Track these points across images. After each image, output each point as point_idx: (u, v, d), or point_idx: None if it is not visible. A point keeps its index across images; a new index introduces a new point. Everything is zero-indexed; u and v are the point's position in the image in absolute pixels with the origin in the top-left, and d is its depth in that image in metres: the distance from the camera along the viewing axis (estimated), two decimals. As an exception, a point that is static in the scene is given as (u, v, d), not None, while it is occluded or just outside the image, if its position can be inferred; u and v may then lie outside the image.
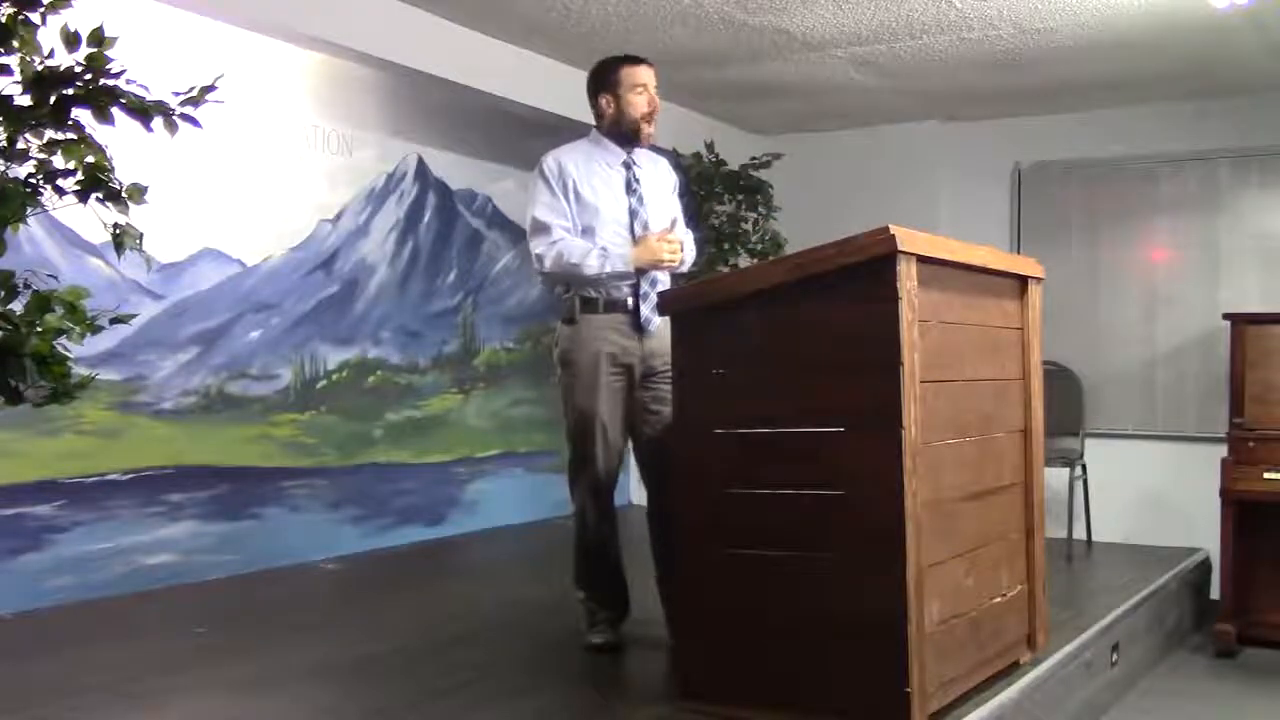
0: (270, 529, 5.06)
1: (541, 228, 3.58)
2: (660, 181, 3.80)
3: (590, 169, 3.65)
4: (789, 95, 6.31)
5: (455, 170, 6.07)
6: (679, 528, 3.18)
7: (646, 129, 3.66)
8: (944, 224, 6.28)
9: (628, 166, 3.68)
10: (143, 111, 2.49)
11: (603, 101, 3.67)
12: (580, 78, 5.90)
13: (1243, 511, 5.21)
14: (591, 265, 3.52)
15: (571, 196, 3.60)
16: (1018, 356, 3.49)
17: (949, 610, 2.96)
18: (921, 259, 2.83)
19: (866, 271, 2.78)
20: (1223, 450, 5.30)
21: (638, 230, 3.62)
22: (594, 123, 3.74)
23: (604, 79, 3.69)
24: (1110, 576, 5.28)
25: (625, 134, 3.67)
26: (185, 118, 2.56)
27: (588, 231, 3.59)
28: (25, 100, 2.43)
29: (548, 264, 3.56)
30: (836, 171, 6.74)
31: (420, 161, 5.88)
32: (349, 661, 3.70)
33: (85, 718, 3.09)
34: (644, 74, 3.67)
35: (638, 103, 3.63)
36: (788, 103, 6.46)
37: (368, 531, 5.56)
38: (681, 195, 3.92)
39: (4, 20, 2.39)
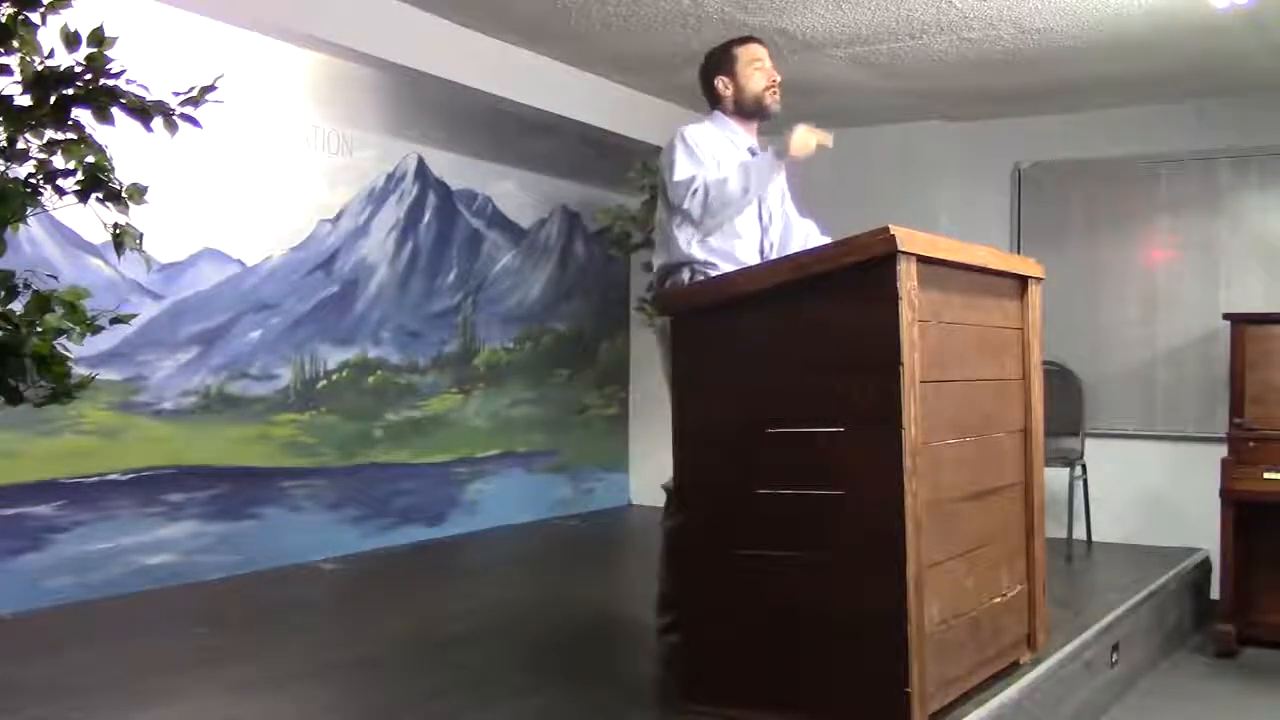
0: (270, 529, 5.06)
1: (684, 184, 3.37)
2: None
3: (721, 147, 3.52)
4: (789, 95, 6.27)
5: (455, 170, 6.07)
6: (679, 528, 3.18)
7: (771, 99, 3.58)
8: (944, 224, 6.27)
9: (752, 153, 3.57)
10: (143, 111, 2.49)
11: (719, 84, 3.59)
12: (580, 77, 5.96)
13: (1243, 511, 5.20)
14: (734, 186, 3.32)
15: (712, 164, 3.43)
16: (1018, 356, 3.49)
17: (949, 610, 2.96)
18: (921, 259, 2.83)
19: (866, 271, 2.78)
20: (1223, 450, 5.29)
21: (764, 217, 3.55)
22: (710, 108, 3.65)
23: (718, 61, 3.62)
24: (1110, 576, 5.27)
25: (748, 111, 3.59)
26: (185, 118, 2.56)
27: None
28: (25, 100, 2.43)
29: (698, 211, 3.33)
30: (837, 171, 6.73)
31: (420, 161, 5.89)
32: (349, 661, 3.70)
33: (85, 718, 3.09)
34: (759, 50, 3.61)
35: (756, 77, 3.57)
36: (787, 103, 6.44)
37: (368, 531, 5.56)
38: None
39: (4, 20, 2.39)
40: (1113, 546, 5.98)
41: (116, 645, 3.80)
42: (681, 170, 3.39)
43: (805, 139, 3.36)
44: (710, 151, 3.44)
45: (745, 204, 3.39)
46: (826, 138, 3.39)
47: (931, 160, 6.57)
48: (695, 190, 3.32)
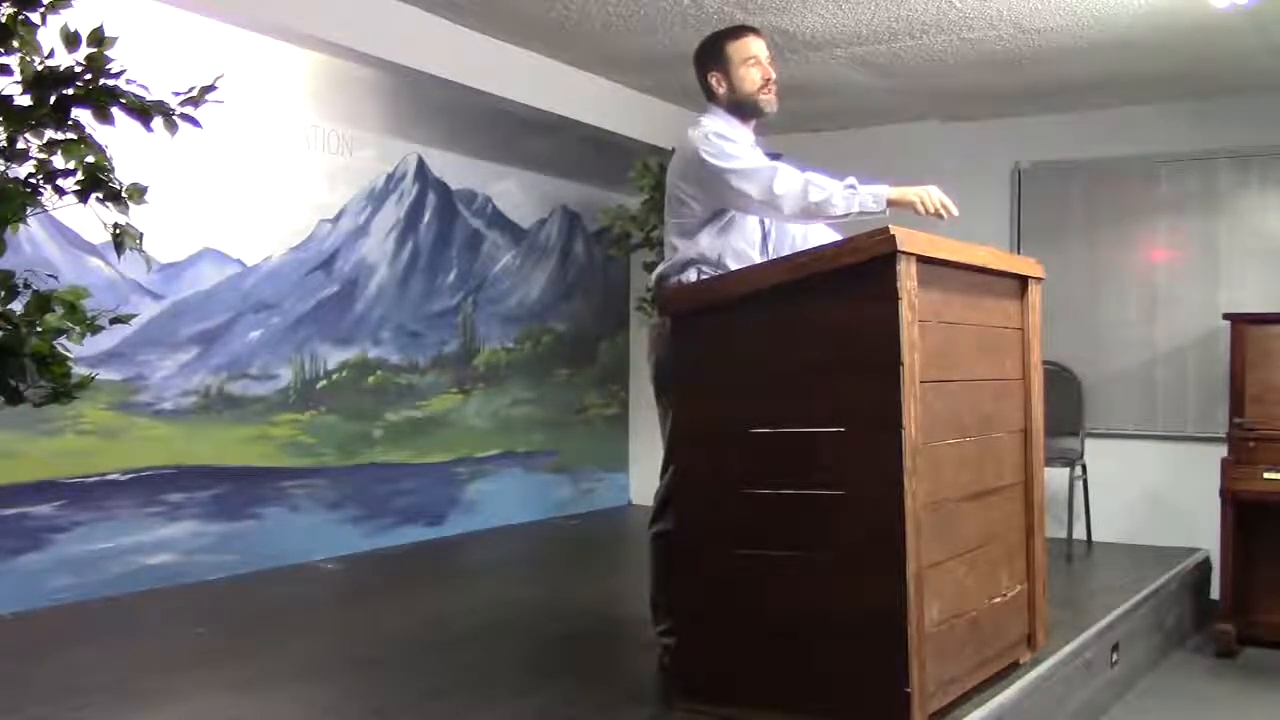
0: (270, 529, 5.06)
1: (763, 172, 3.19)
2: None
3: (741, 142, 3.35)
4: (789, 95, 6.25)
5: (455, 170, 6.07)
6: (679, 528, 3.17)
7: (766, 99, 3.40)
8: (944, 224, 6.27)
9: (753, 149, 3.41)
10: (143, 111, 2.49)
11: (712, 80, 3.42)
12: (580, 77, 5.96)
13: (1243, 511, 5.20)
14: (837, 205, 3.16)
15: (750, 157, 3.29)
16: (1018, 356, 3.49)
17: (949, 610, 2.96)
18: (921, 259, 2.83)
19: (866, 271, 2.78)
20: (1223, 450, 5.29)
21: (767, 223, 3.43)
22: (708, 101, 3.46)
23: (711, 56, 3.43)
24: (1110, 576, 5.28)
25: (744, 110, 3.41)
26: (185, 118, 2.56)
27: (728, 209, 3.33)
28: (25, 100, 2.43)
29: (791, 204, 3.15)
30: (837, 171, 6.74)
31: (420, 161, 5.89)
32: (349, 661, 3.70)
33: (85, 718, 3.09)
34: (753, 45, 3.41)
35: (750, 76, 3.38)
36: (788, 103, 6.38)
37: (368, 531, 5.56)
38: None
39: (4, 20, 2.39)
40: (1113, 546, 5.98)
41: (116, 645, 3.80)
42: (740, 159, 3.22)
43: (930, 198, 3.21)
44: (740, 146, 3.31)
45: (829, 217, 3.23)
46: (951, 210, 3.24)
47: (931, 160, 6.57)
48: (786, 178, 3.15)
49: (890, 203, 3.21)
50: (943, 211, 3.24)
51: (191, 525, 4.75)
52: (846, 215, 3.18)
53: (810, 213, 3.21)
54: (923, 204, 3.22)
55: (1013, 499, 3.44)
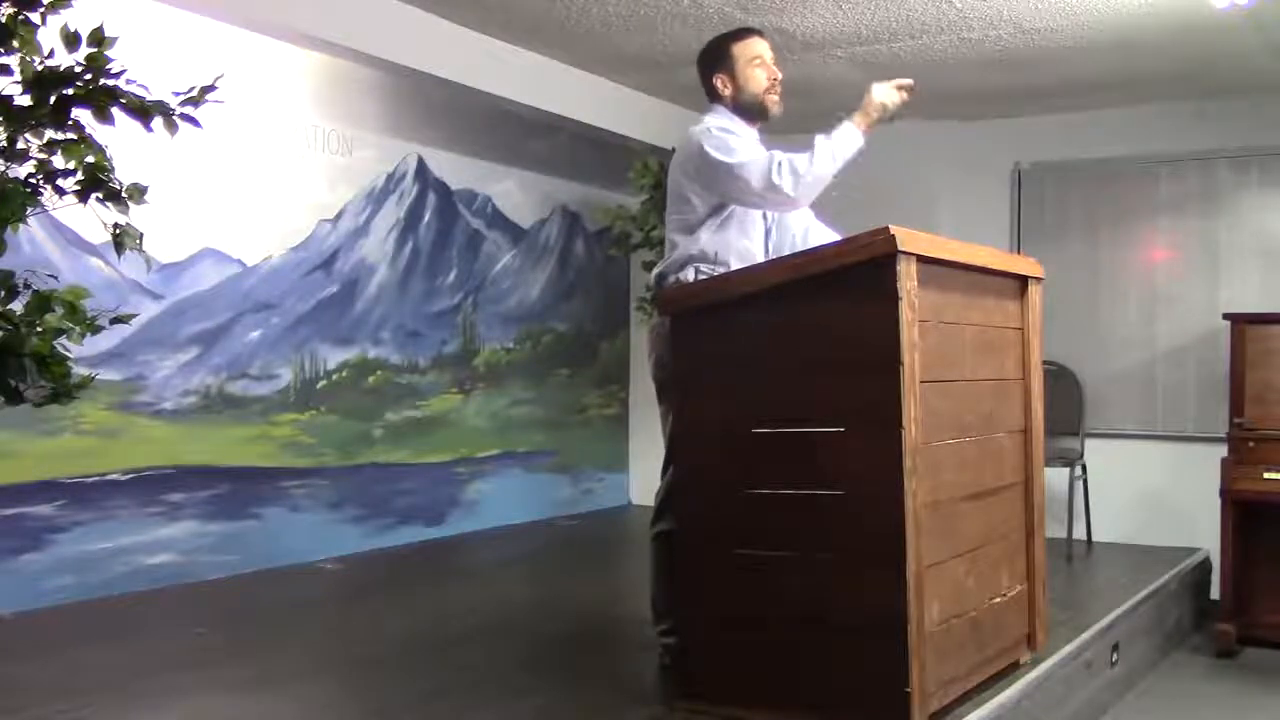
0: (270, 529, 5.06)
1: (760, 164, 3.19)
2: None
3: (742, 137, 3.37)
4: (789, 95, 6.25)
5: (455, 170, 6.07)
6: (679, 528, 3.17)
7: (772, 100, 3.44)
8: (944, 224, 6.26)
9: None
10: (143, 111, 2.50)
11: (718, 82, 3.43)
12: (580, 77, 5.96)
13: (1243, 511, 5.20)
14: (826, 167, 3.19)
15: (751, 151, 3.28)
16: (1018, 356, 3.49)
17: (949, 610, 2.96)
18: (921, 259, 2.83)
19: (866, 271, 2.78)
20: (1223, 450, 5.29)
21: (769, 215, 3.42)
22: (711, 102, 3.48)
23: (716, 57, 3.46)
24: (1110, 576, 5.28)
25: (749, 111, 3.43)
26: (185, 118, 2.56)
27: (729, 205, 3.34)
28: (25, 100, 2.44)
29: (791, 186, 3.15)
30: (838, 172, 6.71)
31: (420, 161, 5.89)
32: (349, 661, 3.70)
33: (85, 718, 3.09)
34: (759, 45, 3.45)
35: (757, 76, 3.41)
36: (788, 103, 6.41)
37: (368, 531, 5.56)
38: None
39: (4, 20, 2.40)
40: (1113, 546, 5.98)
41: (116, 645, 3.80)
42: (742, 152, 3.22)
43: (888, 93, 3.25)
44: (744, 141, 3.32)
45: (829, 179, 3.25)
46: (905, 82, 3.29)
47: (931, 160, 6.57)
48: (780, 164, 3.15)
49: (867, 131, 3.28)
50: (905, 95, 3.31)
51: (191, 525, 4.75)
52: (839, 166, 3.23)
53: (810, 186, 3.22)
54: (887, 109, 3.29)
55: (1013, 499, 3.44)
